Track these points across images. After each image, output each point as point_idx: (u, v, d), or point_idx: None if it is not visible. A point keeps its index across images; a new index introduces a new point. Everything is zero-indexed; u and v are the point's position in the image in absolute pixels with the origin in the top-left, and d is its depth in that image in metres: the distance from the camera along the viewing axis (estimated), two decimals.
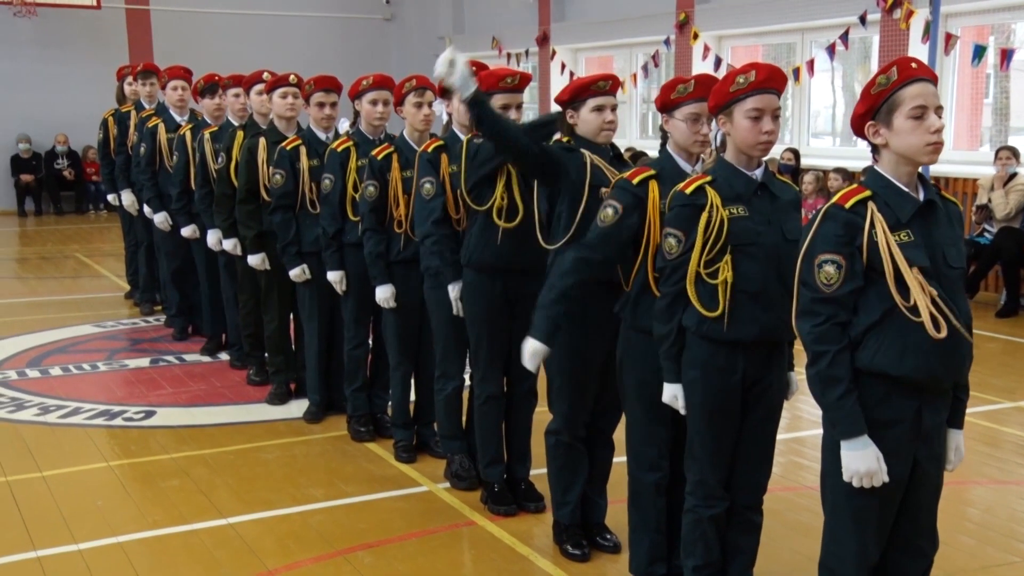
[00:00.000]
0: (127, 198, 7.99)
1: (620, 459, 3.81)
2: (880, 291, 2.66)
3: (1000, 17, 9.66)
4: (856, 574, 2.82)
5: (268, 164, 5.54)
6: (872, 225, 2.66)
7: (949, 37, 9.15)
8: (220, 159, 6.09)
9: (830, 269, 2.67)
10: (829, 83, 12.25)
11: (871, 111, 2.73)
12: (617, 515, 3.98)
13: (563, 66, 14.13)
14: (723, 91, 3.09)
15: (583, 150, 3.78)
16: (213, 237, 6.37)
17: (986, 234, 8.95)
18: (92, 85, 14.88)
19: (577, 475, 3.95)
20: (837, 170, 9.51)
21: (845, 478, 2.72)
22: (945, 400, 2.80)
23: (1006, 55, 9.02)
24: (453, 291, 4.36)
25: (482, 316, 4.25)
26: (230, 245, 6.12)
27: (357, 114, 5.13)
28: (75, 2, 15.39)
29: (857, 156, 10.35)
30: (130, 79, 8.41)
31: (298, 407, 5.82)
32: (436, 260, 4.36)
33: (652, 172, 3.39)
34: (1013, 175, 8.78)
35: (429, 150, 4.47)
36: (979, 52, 9.06)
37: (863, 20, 9.89)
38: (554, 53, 14.21)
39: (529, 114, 10.12)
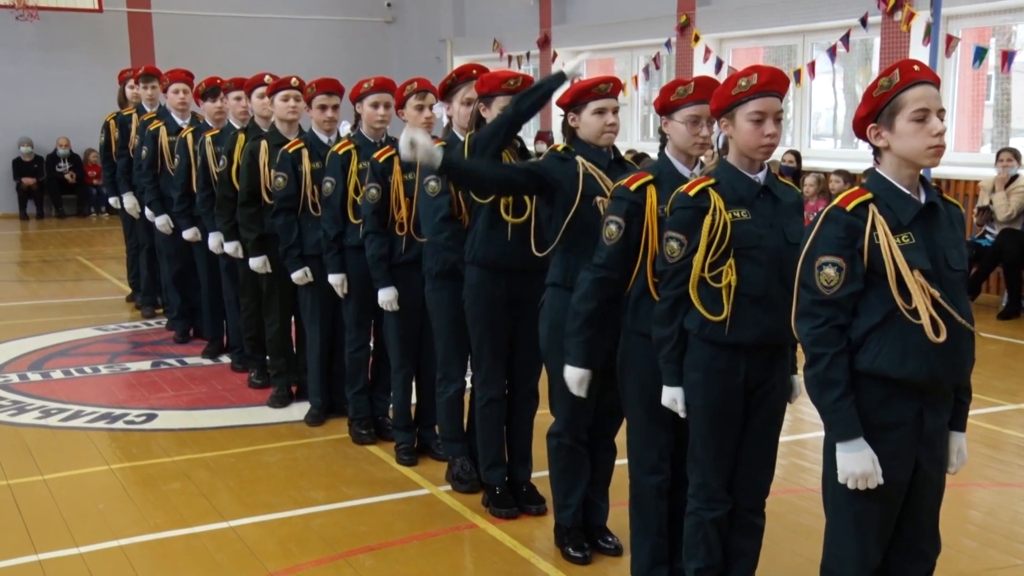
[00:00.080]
0: (128, 201, 8.00)
1: (622, 462, 3.81)
2: (881, 293, 2.66)
3: (1001, 19, 9.66)
4: None
5: (270, 167, 5.54)
6: (873, 227, 2.65)
7: (950, 39, 9.16)
8: (221, 162, 6.09)
9: (830, 271, 2.67)
10: (830, 85, 12.24)
11: (873, 113, 2.73)
12: (619, 518, 3.98)
13: None
14: (725, 94, 3.08)
15: (578, 157, 3.77)
16: (214, 240, 6.37)
17: (987, 236, 8.94)
18: (94, 88, 14.92)
19: (579, 478, 3.94)
20: (838, 172, 9.49)
21: (840, 480, 2.72)
22: (947, 402, 2.79)
23: (1007, 57, 9.01)
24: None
25: (484, 316, 4.25)
26: (231, 248, 6.12)
27: (358, 117, 5.13)
28: (77, 5, 15.39)
29: (858, 158, 10.35)
30: (132, 82, 8.42)
31: (299, 410, 5.82)
32: (454, 255, 4.32)
33: (650, 177, 3.38)
34: (1014, 177, 8.77)
35: None
36: (980, 54, 9.07)
37: (864, 22, 9.89)
38: (555, 55, 14.20)
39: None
